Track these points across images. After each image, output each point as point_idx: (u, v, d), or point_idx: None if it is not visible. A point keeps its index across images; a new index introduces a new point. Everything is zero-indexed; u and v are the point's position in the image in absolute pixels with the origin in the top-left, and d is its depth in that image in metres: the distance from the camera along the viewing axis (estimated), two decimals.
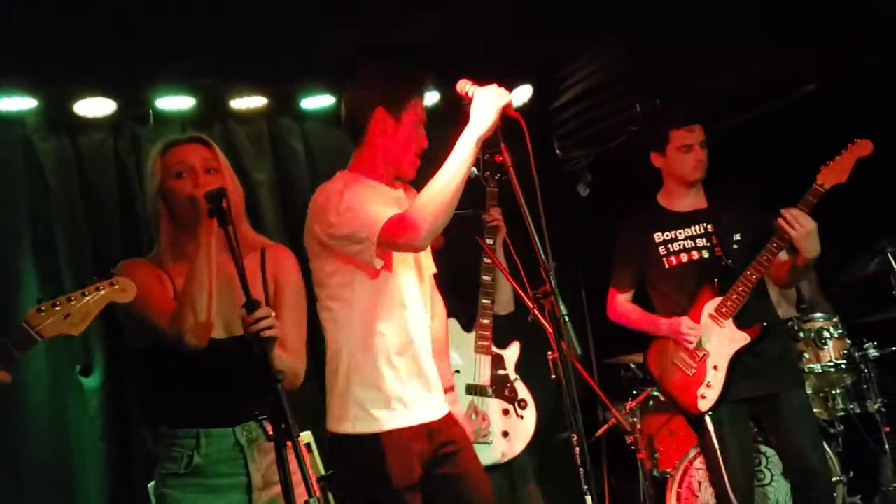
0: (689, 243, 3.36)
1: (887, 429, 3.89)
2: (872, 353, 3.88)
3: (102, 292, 1.93)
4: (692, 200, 3.43)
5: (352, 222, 2.39)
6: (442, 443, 2.56)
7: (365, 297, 2.49)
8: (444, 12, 4.06)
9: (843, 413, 4.08)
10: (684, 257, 3.36)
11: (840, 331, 3.94)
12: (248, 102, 4.52)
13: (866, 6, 3.91)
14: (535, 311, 2.37)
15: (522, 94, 5.24)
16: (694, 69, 4.63)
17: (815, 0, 3.88)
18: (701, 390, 3.25)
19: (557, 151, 5.77)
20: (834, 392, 4.10)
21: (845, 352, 3.90)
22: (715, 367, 3.23)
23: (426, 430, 2.52)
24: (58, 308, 1.87)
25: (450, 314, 3.19)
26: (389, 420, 2.46)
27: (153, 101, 4.24)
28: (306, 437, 4.00)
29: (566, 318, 2.23)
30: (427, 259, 2.72)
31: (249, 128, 4.62)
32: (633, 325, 3.49)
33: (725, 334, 3.24)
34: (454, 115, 4.98)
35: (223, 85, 4.43)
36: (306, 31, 4.04)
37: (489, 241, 3.47)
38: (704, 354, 3.27)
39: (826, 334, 3.90)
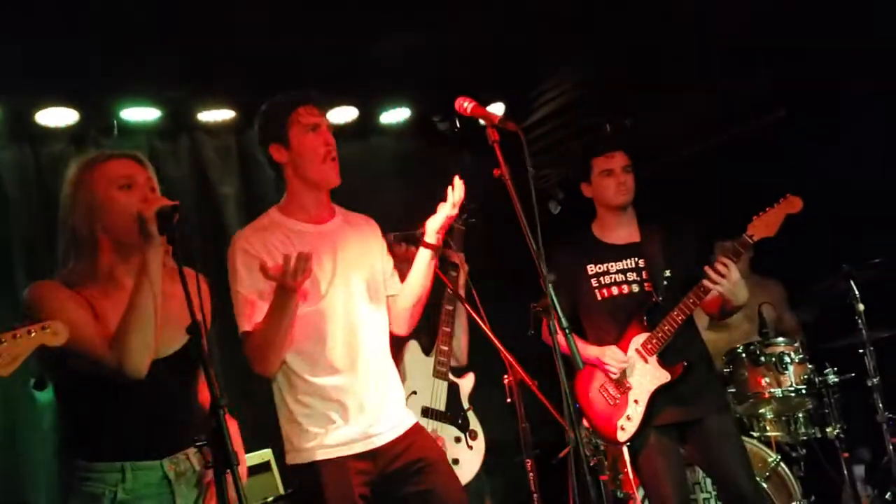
0: (620, 277, 3.38)
1: (846, 454, 3.90)
2: (832, 378, 3.90)
3: (33, 335, 1.85)
4: (625, 233, 3.46)
5: (233, 297, 2.59)
6: (395, 463, 2.60)
7: None
8: (419, 29, 4.06)
9: (804, 437, 4.10)
10: (615, 290, 3.38)
11: (801, 356, 3.96)
12: (216, 115, 4.49)
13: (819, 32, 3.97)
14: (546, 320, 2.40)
15: (495, 111, 5.25)
16: (660, 96, 4.67)
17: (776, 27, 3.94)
18: (621, 422, 3.30)
19: (529, 168, 5.77)
20: (796, 416, 4.12)
21: (806, 377, 3.92)
22: (636, 401, 3.29)
23: (366, 454, 2.58)
24: None
25: (411, 336, 3.18)
26: (314, 452, 2.55)
27: (118, 112, 4.19)
28: (266, 455, 3.96)
29: (568, 331, 2.31)
30: (364, 279, 2.74)
31: (217, 141, 4.59)
32: (563, 349, 3.51)
33: (648, 370, 3.29)
34: (425, 130, 5.08)
35: (190, 97, 4.40)
36: (276, 46, 4.01)
37: (452, 274, 3.47)
38: (628, 387, 3.31)
39: (787, 359, 3.91)
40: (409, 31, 4.07)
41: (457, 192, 2.74)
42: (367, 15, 3.89)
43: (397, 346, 3.16)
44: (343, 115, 4.75)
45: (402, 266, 2.96)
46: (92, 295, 2.18)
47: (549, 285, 2.28)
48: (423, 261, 2.78)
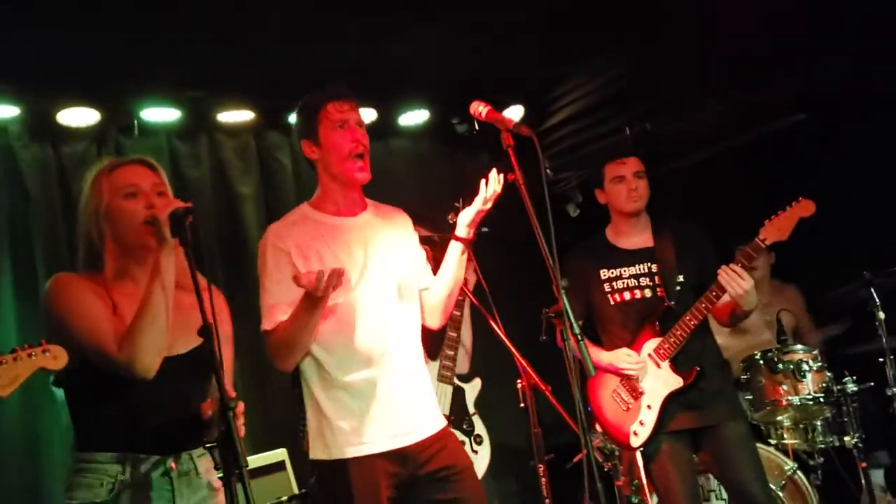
0: (632, 281, 3.36)
1: (864, 464, 3.85)
2: (851, 387, 3.85)
3: (33, 358, 1.88)
4: (638, 238, 3.43)
5: (260, 292, 2.59)
6: (425, 467, 2.56)
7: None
8: (438, 31, 4.07)
9: (822, 446, 4.05)
10: (628, 295, 3.36)
11: (819, 363, 3.90)
12: (236, 116, 4.53)
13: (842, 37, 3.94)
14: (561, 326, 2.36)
15: (514, 114, 5.26)
16: (680, 98, 4.65)
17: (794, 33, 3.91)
18: (634, 427, 3.28)
19: (548, 172, 5.79)
20: (814, 424, 4.07)
21: (824, 385, 3.86)
22: (649, 406, 3.27)
23: (395, 455, 2.53)
24: None
25: None
26: (343, 449, 2.52)
27: (138, 112, 4.24)
28: (281, 454, 3.98)
29: (580, 338, 2.27)
30: (401, 277, 2.69)
31: (236, 141, 4.64)
32: (576, 354, 3.49)
33: (661, 375, 3.27)
34: (443, 131, 5.08)
35: (210, 98, 4.44)
36: (295, 47, 4.04)
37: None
38: (640, 392, 3.30)
39: (805, 367, 3.85)
40: (428, 33, 4.08)
41: (491, 186, 2.64)
42: (386, 17, 3.90)
43: None
44: (362, 116, 4.75)
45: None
46: (112, 291, 2.22)
47: (563, 291, 2.26)
48: (455, 254, 2.73)
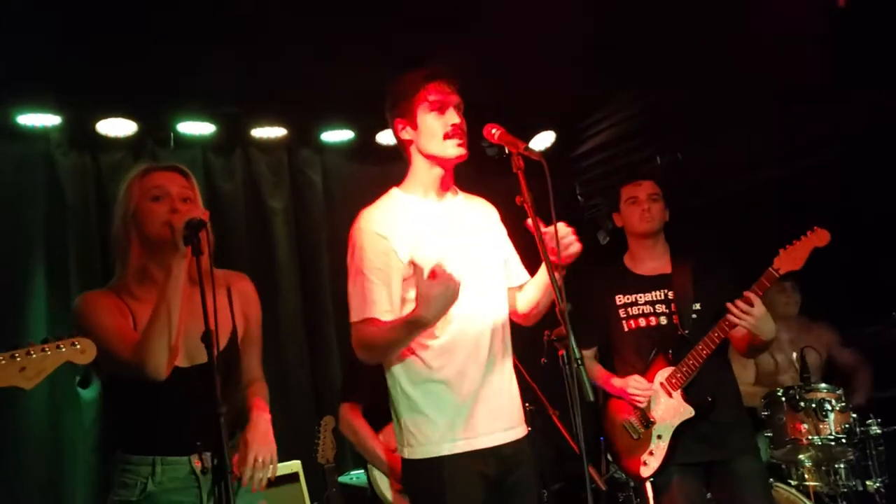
0: (647, 308, 3.34)
1: None
2: (875, 430, 3.75)
3: (62, 350, 1.92)
4: (656, 264, 3.41)
5: (352, 279, 2.48)
6: (509, 478, 2.48)
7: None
8: (471, 57, 4.10)
9: (845, 489, 3.94)
10: (642, 322, 3.33)
11: (843, 404, 3.81)
12: (269, 132, 4.64)
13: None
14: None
15: (545, 140, 5.28)
16: (713, 128, 4.62)
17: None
18: (644, 457, 3.25)
19: (579, 198, 5.79)
20: (837, 466, 3.96)
21: (847, 426, 3.76)
22: (659, 437, 3.24)
23: (489, 454, 2.45)
24: (16, 359, 1.88)
25: None
26: (439, 446, 2.43)
27: (174, 125, 4.37)
28: (295, 466, 4.00)
29: (580, 363, 2.18)
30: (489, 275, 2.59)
31: (270, 157, 4.74)
32: (592, 378, 3.46)
33: (672, 405, 3.23)
34: (474, 154, 5.10)
35: (244, 114, 4.55)
36: (329, 67, 4.12)
37: None
38: (652, 421, 3.26)
39: (828, 406, 3.75)
40: (462, 58, 4.11)
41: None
42: (422, 39, 3.96)
43: None
44: (391, 137, 4.81)
45: None
46: (133, 299, 2.31)
47: (565, 315, 2.23)
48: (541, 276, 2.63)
